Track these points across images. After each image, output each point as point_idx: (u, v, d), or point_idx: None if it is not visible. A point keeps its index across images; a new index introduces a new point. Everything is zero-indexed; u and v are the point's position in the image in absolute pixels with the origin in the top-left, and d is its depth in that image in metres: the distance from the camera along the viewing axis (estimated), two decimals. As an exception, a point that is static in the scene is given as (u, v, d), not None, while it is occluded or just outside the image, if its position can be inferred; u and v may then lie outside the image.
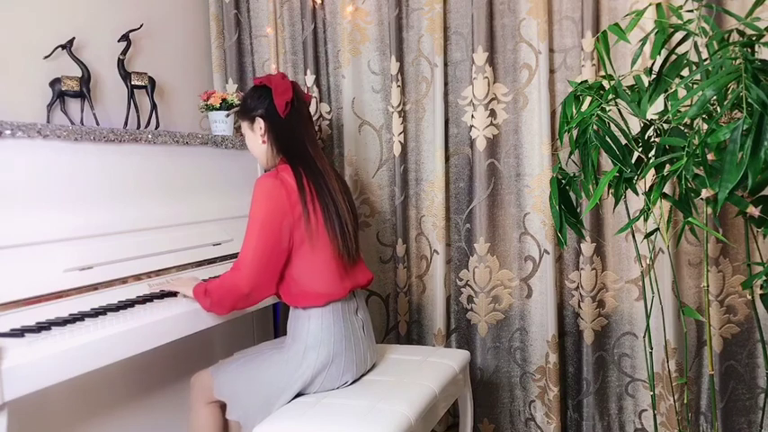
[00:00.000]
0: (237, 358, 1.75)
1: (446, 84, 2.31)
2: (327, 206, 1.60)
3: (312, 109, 2.48)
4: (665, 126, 1.43)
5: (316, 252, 1.59)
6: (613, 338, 2.22)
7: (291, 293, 1.62)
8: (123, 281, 1.69)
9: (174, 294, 1.70)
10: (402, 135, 2.37)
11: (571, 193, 1.54)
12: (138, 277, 1.73)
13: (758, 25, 1.27)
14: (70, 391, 1.71)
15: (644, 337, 1.66)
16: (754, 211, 1.29)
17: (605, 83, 1.46)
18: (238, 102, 2.33)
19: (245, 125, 1.74)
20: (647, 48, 1.47)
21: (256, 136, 1.71)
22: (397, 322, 2.45)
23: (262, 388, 1.60)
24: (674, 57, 1.31)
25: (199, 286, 1.61)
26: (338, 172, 1.80)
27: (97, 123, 1.96)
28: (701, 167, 1.19)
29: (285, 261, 1.59)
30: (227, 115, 2.33)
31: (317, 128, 2.49)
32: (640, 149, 1.48)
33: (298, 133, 1.68)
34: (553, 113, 2.18)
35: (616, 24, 1.37)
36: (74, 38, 1.92)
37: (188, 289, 1.64)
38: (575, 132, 1.44)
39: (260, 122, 1.69)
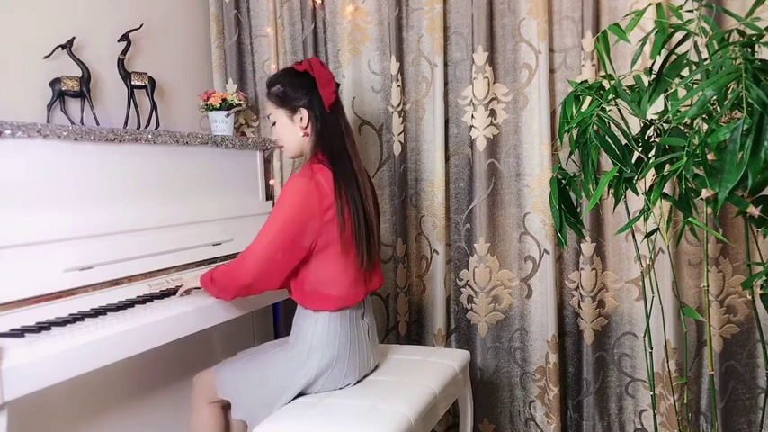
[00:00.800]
0: (241, 357, 1.75)
1: (446, 84, 2.31)
2: (358, 215, 1.57)
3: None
4: (665, 126, 1.43)
5: (339, 258, 1.57)
6: (613, 338, 2.22)
7: (304, 293, 1.60)
8: (123, 281, 1.69)
9: (173, 294, 1.70)
10: (402, 135, 2.37)
11: (571, 193, 1.54)
12: (138, 277, 1.73)
13: (758, 25, 1.26)
14: (70, 391, 1.71)
15: (644, 337, 1.66)
16: (754, 211, 1.29)
17: (605, 83, 1.46)
18: (238, 102, 2.33)
19: (280, 113, 1.65)
20: (647, 48, 1.46)
21: (296, 127, 1.64)
22: (397, 322, 2.45)
23: (264, 385, 1.60)
24: (674, 57, 1.31)
25: (206, 275, 1.62)
26: (366, 169, 1.74)
27: (97, 123, 1.96)
28: (701, 167, 1.19)
29: (300, 261, 1.56)
30: (228, 115, 2.33)
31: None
32: (640, 149, 1.47)
33: (340, 129, 1.63)
34: (553, 113, 2.18)
35: (616, 24, 1.37)
36: (74, 38, 1.92)
37: (195, 281, 1.67)
38: (575, 132, 1.44)
39: (303, 113, 1.62)
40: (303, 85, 1.62)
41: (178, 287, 1.73)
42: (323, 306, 1.58)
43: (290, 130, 1.65)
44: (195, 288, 1.69)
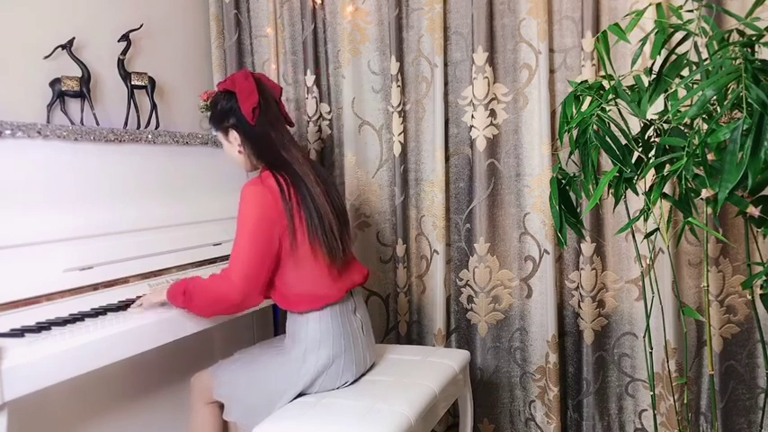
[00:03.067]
0: (237, 359, 1.75)
1: (446, 84, 2.31)
2: (310, 213, 1.57)
3: (312, 109, 2.48)
4: (665, 126, 1.43)
5: (305, 258, 1.58)
6: (613, 338, 2.22)
7: (287, 299, 1.61)
8: (124, 281, 1.69)
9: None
10: (402, 135, 2.37)
11: (571, 193, 1.54)
12: (138, 277, 1.73)
13: (758, 25, 1.26)
14: (70, 391, 1.71)
15: (644, 337, 1.66)
16: (754, 211, 1.29)
17: (605, 83, 1.46)
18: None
19: (219, 135, 1.70)
20: (647, 48, 1.47)
21: (233, 146, 1.68)
22: (397, 322, 2.45)
23: (261, 390, 1.60)
24: (674, 57, 1.31)
25: (176, 286, 1.56)
26: (317, 165, 1.74)
27: (97, 123, 1.96)
28: (701, 167, 1.19)
29: (275, 268, 1.57)
30: (227, 115, 2.32)
31: (316, 128, 2.50)
32: (640, 149, 1.47)
33: (270, 139, 1.63)
34: (553, 113, 2.18)
35: (616, 24, 1.37)
36: (74, 38, 1.92)
37: (160, 294, 1.59)
38: (575, 132, 1.44)
39: (233, 133, 1.66)
40: (228, 104, 1.65)
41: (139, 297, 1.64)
42: (307, 306, 1.59)
43: (230, 149, 1.70)
44: (160, 303, 1.59)
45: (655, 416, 1.69)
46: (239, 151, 1.67)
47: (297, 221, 1.55)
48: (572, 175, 1.52)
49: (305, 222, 1.56)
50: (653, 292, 1.78)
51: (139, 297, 1.63)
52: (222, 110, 1.66)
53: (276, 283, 1.60)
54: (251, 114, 1.61)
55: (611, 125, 1.41)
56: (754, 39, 1.24)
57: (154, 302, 1.59)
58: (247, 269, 1.52)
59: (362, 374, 1.72)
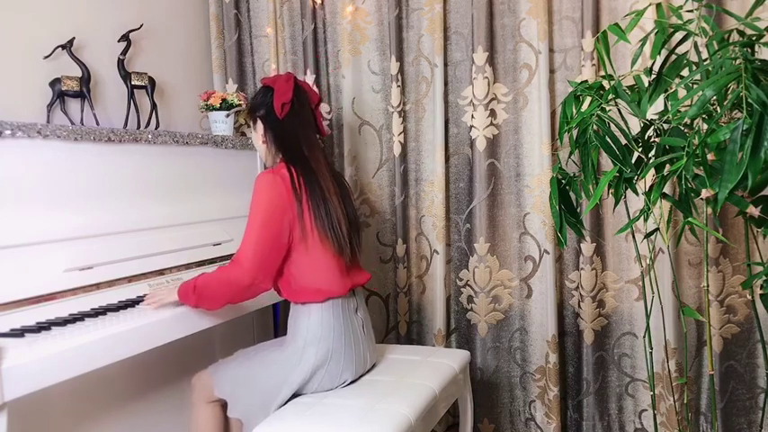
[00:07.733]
0: (237, 357, 1.76)
1: (446, 84, 2.31)
2: (318, 206, 1.61)
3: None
4: (665, 126, 1.43)
5: (313, 249, 1.61)
6: (613, 338, 2.22)
7: (291, 289, 1.64)
8: (124, 281, 1.69)
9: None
10: (402, 135, 2.37)
11: (571, 193, 1.54)
12: (138, 277, 1.73)
13: (758, 25, 1.27)
14: (70, 391, 1.71)
15: (644, 337, 1.66)
16: (754, 211, 1.29)
17: (605, 83, 1.46)
18: (238, 102, 2.34)
19: (251, 123, 1.80)
20: (647, 48, 1.46)
21: (258, 135, 1.76)
22: (397, 322, 2.45)
23: (261, 385, 1.61)
24: (674, 57, 1.31)
25: (185, 287, 1.60)
26: (339, 175, 1.82)
27: (97, 123, 1.96)
28: (701, 167, 1.19)
29: (284, 256, 1.61)
30: (228, 115, 2.33)
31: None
32: (640, 149, 1.48)
33: (294, 135, 1.71)
34: (553, 113, 2.18)
35: (616, 24, 1.37)
36: (74, 38, 1.92)
37: (171, 294, 1.62)
38: (575, 132, 1.44)
39: (259, 124, 1.75)
40: (263, 97, 1.75)
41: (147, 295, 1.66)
42: (310, 298, 1.62)
43: (255, 139, 1.79)
44: (172, 302, 1.62)
45: (655, 416, 1.69)
46: (263, 141, 1.75)
47: (306, 211, 1.60)
48: (572, 175, 1.52)
49: (312, 213, 1.61)
50: (653, 292, 1.78)
51: (146, 295, 1.65)
52: (257, 101, 1.77)
53: (284, 272, 1.64)
54: (280, 109, 1.69)
55: (611, 125, 1.41)
56: (754, 39, 1.24)
57: (165, 302, 1.61)
58: (257, 254, 1.56)
59: (362, 374, 1.72)
